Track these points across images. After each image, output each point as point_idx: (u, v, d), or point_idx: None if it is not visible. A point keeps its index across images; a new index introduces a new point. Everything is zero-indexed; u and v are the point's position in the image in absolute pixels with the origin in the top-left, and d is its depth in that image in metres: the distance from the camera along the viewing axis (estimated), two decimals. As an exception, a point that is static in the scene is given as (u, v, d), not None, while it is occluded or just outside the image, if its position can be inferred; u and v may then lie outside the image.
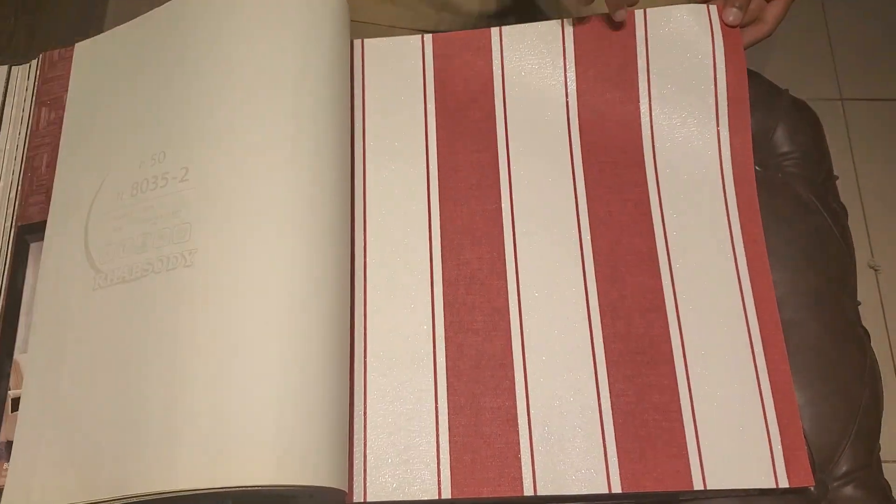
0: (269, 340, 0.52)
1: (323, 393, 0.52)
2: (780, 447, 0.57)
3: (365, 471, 0.57)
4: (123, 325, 0.56)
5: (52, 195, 0.64)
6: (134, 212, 0.59)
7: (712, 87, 0.66)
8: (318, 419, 0.51)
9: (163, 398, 0.52)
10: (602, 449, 0.57)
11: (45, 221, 0.63)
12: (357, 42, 0.69)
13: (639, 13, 0.68)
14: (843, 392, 0.62)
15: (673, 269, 0.62)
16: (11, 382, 0.59)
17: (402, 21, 0.77)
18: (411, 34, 0.73)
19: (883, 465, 0.64)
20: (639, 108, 0.66)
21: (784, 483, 0.57)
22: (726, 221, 0.63)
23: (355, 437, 0.58)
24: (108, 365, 0.55)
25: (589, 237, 0.63)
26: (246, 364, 0.51)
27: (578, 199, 0.64)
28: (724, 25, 0.66)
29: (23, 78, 0.70)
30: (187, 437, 0.50)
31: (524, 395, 0.59)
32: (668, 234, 0.63)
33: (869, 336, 0.67)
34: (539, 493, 0.56)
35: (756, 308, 0.60)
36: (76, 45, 0.69)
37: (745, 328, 0.60)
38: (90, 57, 0.68)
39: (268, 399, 0.51)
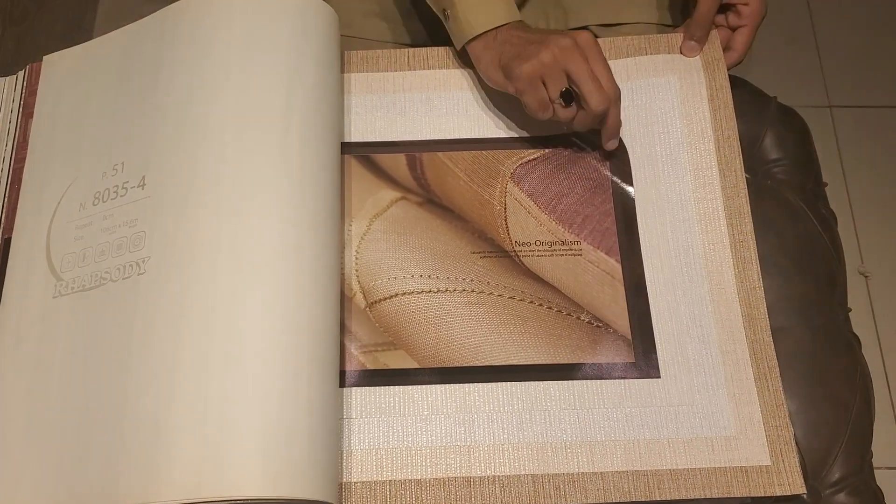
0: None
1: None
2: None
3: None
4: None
5: (19, 204, 0.64)
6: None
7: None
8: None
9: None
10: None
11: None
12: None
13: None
14: (835, 398, 0.62)
15: None
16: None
17: (391, 36, 0.77)
18: (400, 48, 0.73)
19: (875, 471, 0.64)
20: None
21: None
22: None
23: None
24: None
25: None
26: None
27: None
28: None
29: (9, 89, 0.70)
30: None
31: None
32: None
33: (860, 342, 0.67)
34: None
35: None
36: (44, 57, 0.69)
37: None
38: (59, 70, 0.68)
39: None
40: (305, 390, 0.52)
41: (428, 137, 0.67)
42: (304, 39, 0.61)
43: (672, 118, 0.67)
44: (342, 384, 0.59)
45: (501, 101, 0.68)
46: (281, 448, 0.50)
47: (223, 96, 0.59)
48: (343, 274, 0.63)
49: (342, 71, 0.69)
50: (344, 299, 0.62)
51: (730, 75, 0.69)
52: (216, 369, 0.51)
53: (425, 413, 0.59)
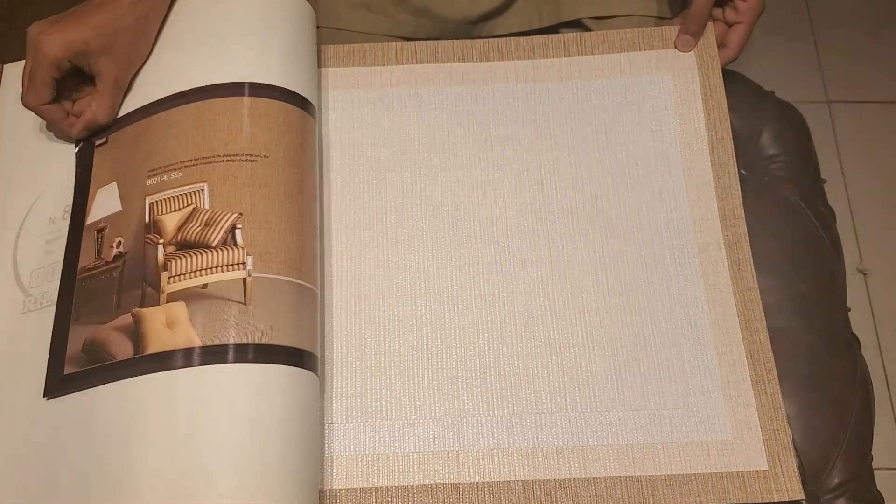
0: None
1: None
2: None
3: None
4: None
5: None
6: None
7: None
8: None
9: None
10: None
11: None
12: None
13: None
14: (834, 401, 0.61)
15: None
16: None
17: (379, 28, 0.76)
18: (389, 41, 0.72)
19: (875, 472, 0.62)
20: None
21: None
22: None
23: None
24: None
25: None
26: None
27: None
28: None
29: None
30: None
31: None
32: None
33: (859, 343, 0.66)
34: None
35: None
36: (4, 66, 0.67)
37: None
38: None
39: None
40: (280, 396, 0.50)
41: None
42: (271, 32, 0.60)
43: (665, 116, 0.66)
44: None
45: (489, 96, 0.66)
46: (255, 455, 0.48)
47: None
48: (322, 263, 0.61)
49: (320, 65, 0.67)
50: (323, 290, 0.60)
51: (726, 70, 0.68)
52: (185, 372, 0.50)
53: (413, 417, 0.57)
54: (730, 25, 0.68)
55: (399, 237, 0.62)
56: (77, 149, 0.61)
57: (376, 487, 0.55)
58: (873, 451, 0.63)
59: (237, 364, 0.50)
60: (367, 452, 0.56)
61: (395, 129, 0.66)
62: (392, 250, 0.62)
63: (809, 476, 0.59)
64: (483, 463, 0.56)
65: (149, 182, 0.56)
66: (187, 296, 0.52)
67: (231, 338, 0.50)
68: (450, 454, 0.56)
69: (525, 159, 0.65)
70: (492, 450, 0.56)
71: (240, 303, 0.52)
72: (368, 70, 0.68)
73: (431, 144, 0.65)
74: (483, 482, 0.56)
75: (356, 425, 0.57)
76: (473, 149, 0.65)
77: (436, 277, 0.61)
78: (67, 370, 0.53)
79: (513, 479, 0.56)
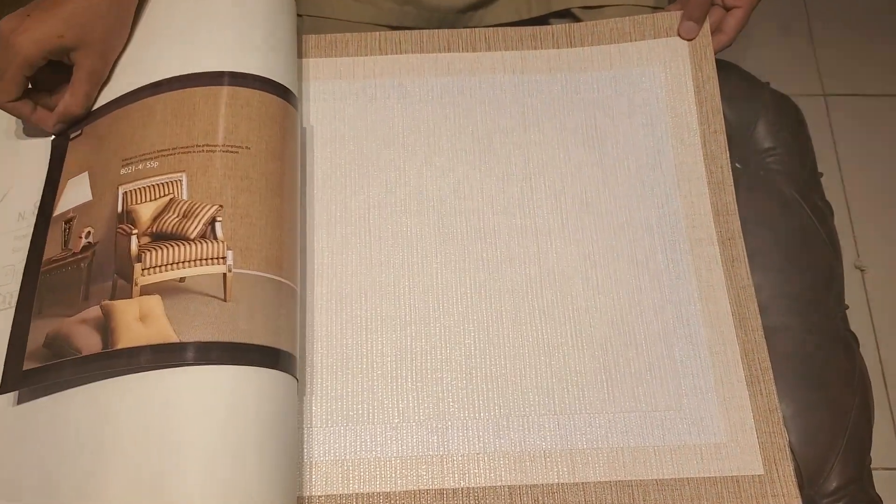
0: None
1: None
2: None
3: None
4: None
5: None
6: None
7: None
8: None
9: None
10: None
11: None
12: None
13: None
14: (832, 402, 0.59)
15: None
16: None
17: (362, 16, 0.73)
18: (372, 30, 0.70)
19: (874, 472, 0.60)
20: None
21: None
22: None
23: None
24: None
25: None
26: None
27: None
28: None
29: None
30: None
31: None
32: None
33: (857, 341, 0.64)
34: None
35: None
36: None
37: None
38: None
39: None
40: (256, 398, 0.48)
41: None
42: (251, 21, 0.58)
43: (657, 109, 0.64)
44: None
45: (475, 88, 0.64)
46: (228, 460, 0.46)
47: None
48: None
49: (301, 55, 0.65)
50: (305, 290, 0.58)
51: (720, 61, 0.66)
52: (155, 375, 0.48)
53: (395, 421, 0.55)
54: (728, 10, 0.66)
55: (382, 233, 0.60)
56: (51, 142, 0.59)
57: (357, 494, 0.53)
58: (874, 452, 0.61)
59: (214, 363, 0.48)
60: (348, 457, 0.54)
61: (378, 121, 0.64)
62: (375, 247, 0.60)
63: (807, 479, 0.57)
64: (468, 468, 0.54)
65: (122, 171, 0.54)
66: (163, 289, 0.49)
67: (209, 335, 0.48)
68: (434, 459, 0.54)
69: (513, 153, 0.63)
70: (477, 454, 0.55)
71: (219, 299, 0.49)
72: (351, 60, 0.66)
73: (416, 137, 0.63)
74: (468, 488, 0.54)
75: (336, 429, 0.55)
76: (459, 142, 0.63)
77: (420, 275, 0.59)
78: (28, 366, 0.50)
79: (499, 484, 0.54)
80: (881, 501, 0.59)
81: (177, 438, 0.46)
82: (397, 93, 0.65)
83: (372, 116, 0.64)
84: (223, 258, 0.50)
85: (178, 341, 0.48)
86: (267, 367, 0.49)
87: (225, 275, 0.50)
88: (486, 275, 0.59)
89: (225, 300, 0.49)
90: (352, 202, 0.61)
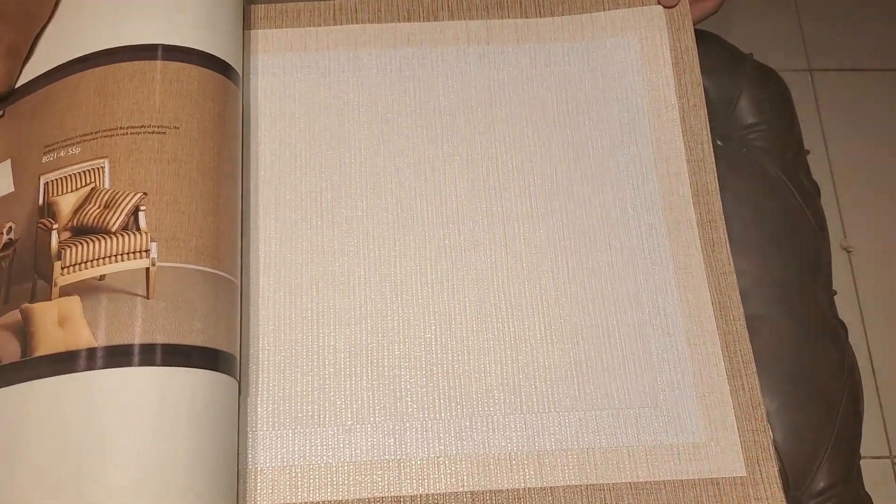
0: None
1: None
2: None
3: None
4: None
5: None
6: None
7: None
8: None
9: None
10: None
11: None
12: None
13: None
14: (819, 396, 0.55)
15: None
16: None
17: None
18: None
19: (862, 460, 0.57)
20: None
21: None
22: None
23: None
24: None
25: None
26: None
27: None
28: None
29: None
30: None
31: None
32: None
33: (846, 330, 0.60)
34: None
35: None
36: None
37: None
38: None
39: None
40: (188, 402, 0.44)
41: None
42: None
43: (632, 83, 0.60)
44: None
45: (437, 60, 0.60)
46: (158, 470, 0.42)
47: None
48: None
49: (248, 27, 0.61)
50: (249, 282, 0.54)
51: (700, 31, 0.62)
52: (78, 377, 0.43)
53: (349, 423, 0.51)
54: None
55: (335, 218, 0.56)
56: None
57: (306, 503, 0.49)
58: (863, 441, 0.58)
59: (138, 367, 0.43)
60: (297, 463, 0.50)
61: (331, 96, 0.59)
62: (327, 233, 0.56)
63: (792, 480, 0.54)
64: (427, 473, 0.50)
65: (44, 159, 0.49)
66: (82, 289, 0.45)
67: (131, 337, 0.44)
68: (390, 464, 0.50)
69: (478, 130, 0.59)
70: (437, 458, 0.51)
71: (142, 296, 0.45)
72: (303, 31, 0.61)
73: (373, 114, 0.59)
74: (427, 494, 0.50)
75: (284, 432, 0.51)
76: (420, 118, 0.59)
77: (377, 264, 0.55)
78: None
79: (461, 489, 0.50)
80: (871, 501, 0.56)
81: (98, 446, 0.42)
82: (352, 66, 0.60)
83: (325, 91, 0.59)
84: (146, 251, 0.46)
85: (95, 346, 0.43)
86: (197, 367, 0.45)
87: (148, 269, 0.45)
88: (449, 263, 0.55)
89: (148, 297, 0.45)
90: (302, 184, 0.57)
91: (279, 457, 0.50)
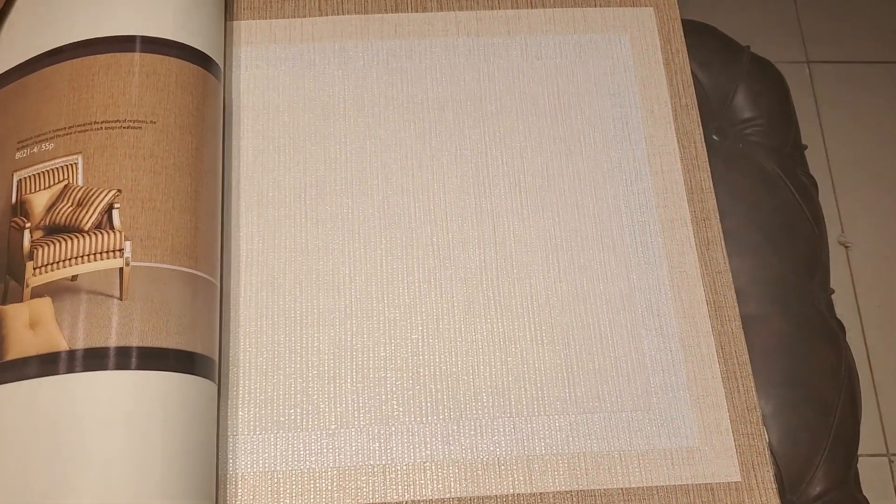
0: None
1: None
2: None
3: None
4: None
5: None
6: None
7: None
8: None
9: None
10: None
11: None
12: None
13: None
14: (816, 399, 0.54)
15: None
16: None
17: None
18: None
19: (858, 458, 0.56)
20: None
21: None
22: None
23: None
24: None
25: None
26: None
27: None
28: None
29: None
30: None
31: None
32: None
33: (844, 330, 0.59)
34: None
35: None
36: None
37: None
38: None
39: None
40: (162, 406, 0.42)
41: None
42: None
43: (624, 78, 0.59)
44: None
45: (425, 52, 0.58)
46: (130, 478, 0.40)
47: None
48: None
49: (231, 17, 0.59)
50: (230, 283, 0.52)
51: (695, 22, 0.60)
52: (47, 381, 0.42)
53: (333, 427, 0.50)
54: None
55: (320, 215, 0.54)
56: None
57: (288, 509, 0.48)
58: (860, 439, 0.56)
59: (111, 371, 0.42)
60: (279, 468, 0.49)
61: (316, 89, 0.58)
62: (311, 231, 0.54)
63: (788, 484, 0.53)
64: (414, 478, 0.49)
65: (18, 155, 0.48)
66: (54, 290, 0.43)
67: (103, 340, 0.42)
68: (375, 469, 0.49)
69: (467, 124, 0.57)
70: (424, 463, 0.49)
71: (115, 297, 0.43)
72: (287, 22, 0.59)
73: (359, 107, 0.57)
74: (413, 501, 0.48)
75: (266, 437, 0.49)
76: (408, 113, 0.57)
77: (362, 262, 0.53)
78: None
79: (447, 496, 0.49)
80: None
81: (67, 454, 0.41)
82: (338, 58, 0.59)
83: (309, 84, 0.58)
84: (120, 250, 0.44)
85: (66, 349, 0.42)
86: (173, 371, 0.43)
87: (122, 269, 0.44)
88: (436, 262, 0.54)
89: (121, 298, 0.43)
90: (286, 180, 0.55)
91: (261, 462, 0.49)
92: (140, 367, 0.42)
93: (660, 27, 0.60)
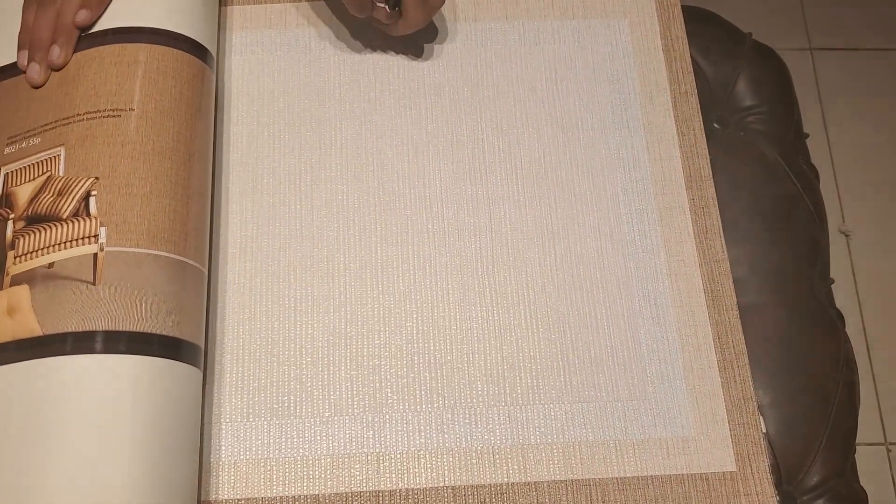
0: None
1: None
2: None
3: None
4: None
5: None
6: None
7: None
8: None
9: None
10: None
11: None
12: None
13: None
14: (814, 389, 0.54)
15: None
16: None
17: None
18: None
19: (857, 447, 0.56)
20: None
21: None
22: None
23: None
24: None
25: None
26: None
27: None
28: None
29: None
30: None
31: None
32: None
33: (843, 320, 0.58)
34: None
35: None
36: None
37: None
38: None
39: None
40: (130, 391, 0.42)
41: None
42: None
43: (623, 64, 0.58)
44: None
45: (422, 37, 0.58)
46: (104, 467, 0.40)
47: None
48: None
49: (225, 3, 0.59)
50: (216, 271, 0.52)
51: (697, 9, 0.60)
52: (21, 366, 0.42)
53: (326, 414, 0.49)
54: None
55: (315, 202, 0.54)
56: None
57: (281, 497, 0.48)
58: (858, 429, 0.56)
59: (81, 356, 0.42)
60: (272, 456, 0.48)
61: (312, 74, 0.57)
62: (306, 217, 0.54)
63: (785, 475, 0.52)
64: (408, 467, 0.49)
65: (7, 150, 0.48)
66: (31, 277, 0.44)
67: (73, 325, 0.42)
68: (369, 457, 0.49)
69: (463, 110, 0.57)
70: (418, 451, 0.49)
71: (88, 283, 0.43)
72: (282, 7, 0.59)
73: (355, 93, 0.57)
74: (407, 489, 0.48)
75: (259, 424, 0.49)
76: (403, 98, 0.57)
77: (357, 249, 0.53)
78: None
79: (441, 485, 0.48)
80: (865, 496, 0.54)
81: (39, 438, 0.41)
82: (334, 44, 0.58)
83: (304, 70, 0.57)
84: (95, 236, 0.44)
85: (41, 334, 0.42)
86: (149, 354, 0.43)
87: (96, 255, 0.43)
88: (432, 249, 0.53)
89: (94, 283, 0.43)
90: (280, 166, 0.55)
91: (254, 449, 0.48)
92: (107, 351, 0.42)
93: (659, 13, 0.59)
